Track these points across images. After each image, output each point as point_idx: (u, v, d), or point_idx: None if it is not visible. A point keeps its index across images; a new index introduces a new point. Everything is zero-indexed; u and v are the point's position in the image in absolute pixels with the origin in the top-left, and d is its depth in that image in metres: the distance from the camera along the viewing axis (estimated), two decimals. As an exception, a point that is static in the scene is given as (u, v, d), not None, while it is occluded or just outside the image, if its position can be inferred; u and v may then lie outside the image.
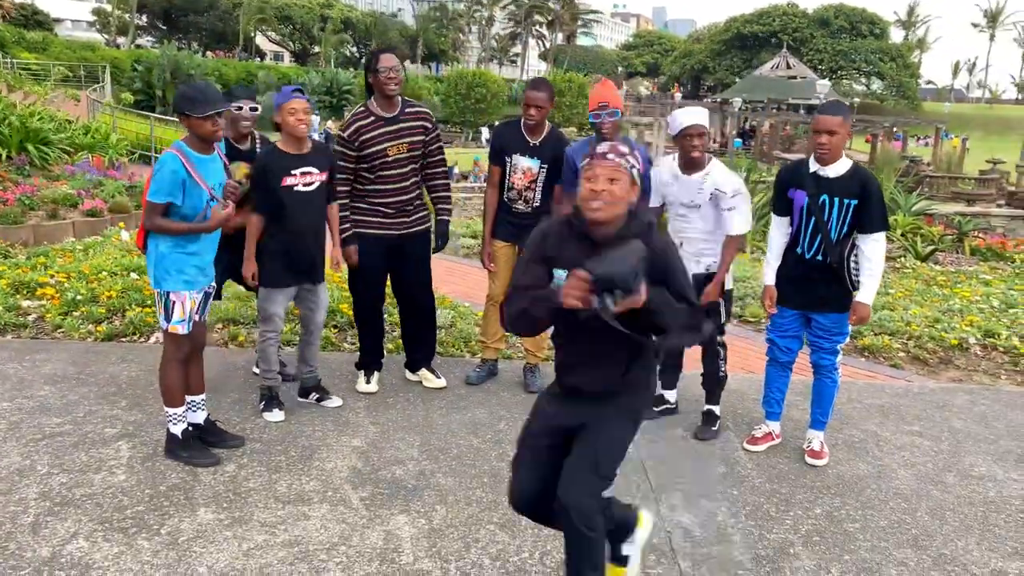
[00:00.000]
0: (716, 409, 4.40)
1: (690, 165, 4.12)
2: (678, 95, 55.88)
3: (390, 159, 4.36)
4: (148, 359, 5.04)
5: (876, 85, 67.37)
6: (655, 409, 4.53)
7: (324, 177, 4.16)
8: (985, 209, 15.68)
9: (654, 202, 4.30)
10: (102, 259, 7.08)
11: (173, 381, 3.67)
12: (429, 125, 4.52)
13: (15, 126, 10.55)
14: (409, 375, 4.95)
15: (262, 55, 71.24)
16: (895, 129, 38.56)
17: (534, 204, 4.55)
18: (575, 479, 2.45)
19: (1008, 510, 3.69)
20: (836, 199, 3.74)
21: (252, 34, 66.81)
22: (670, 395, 4.60)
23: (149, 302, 5.99)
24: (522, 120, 4.50)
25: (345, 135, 4.34)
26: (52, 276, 6.57)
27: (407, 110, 4.44)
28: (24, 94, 16.36)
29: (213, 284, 3.80)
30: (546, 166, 4.51)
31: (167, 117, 23.22)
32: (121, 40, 59.30)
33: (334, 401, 4.49)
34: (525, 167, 4.49)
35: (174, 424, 3.73)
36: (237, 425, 4.14)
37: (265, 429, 4.14)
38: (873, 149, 31.42)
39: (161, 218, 3.44)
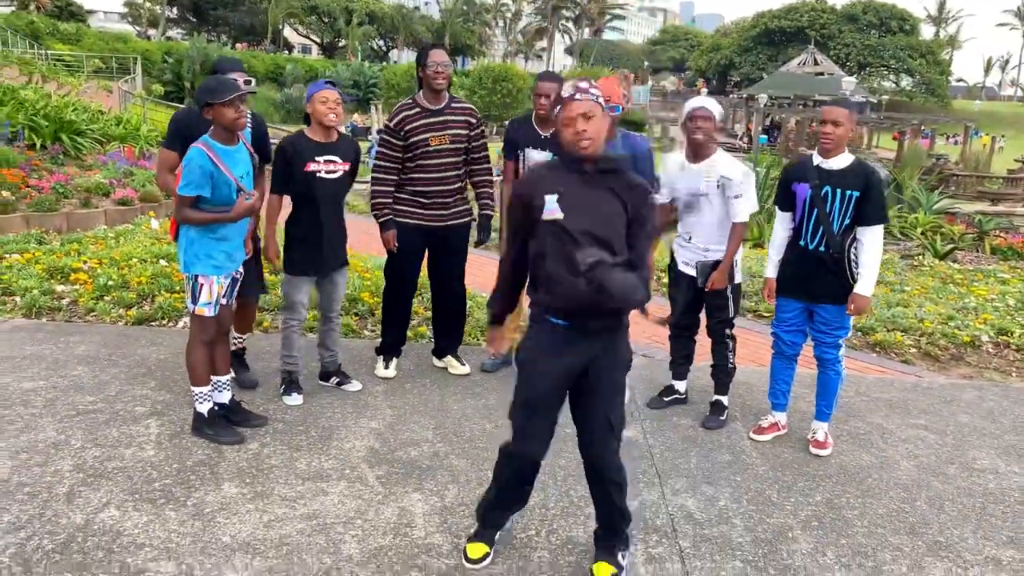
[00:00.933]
0: (724, 399, 4.52)
1: (696, 152, 4.21)
2: (703, 91, 55.58)
3: (431, 149, 4.51)
4: (176, 342, 5.24)
5: (906, 82, 66.57)
6: (664, 399, 4.66)
7: (347, 167, 4.31)
8: (1009, 208, 15.56)
9: (663, 197, 4.38)
10: (132, 246, 7.31)
11: (199, 361, 3.85)
12: (473, 120, 4.66)
13: (50, 117, 10.83)
14: (436, 361, 5.11)
15: (290, 48, 71.77)
16: (923, 127, 38.16)
17: None
18: (603, 440, 2.84)
19: (1007, 501, 3.78)
20: (838, 191, 3.84)
21: (280, 27, 67.35)
22: (680, 385, 4.71)
23: (178, 288, 6.19)
24: (533, 113, 4.61)
25: (391, 124, 4.51)
26: (85, 262, 6.79)
27: (452, 105, 4.58)
28: (58, 85, 16.70)
29: (240, 270, 3.96)
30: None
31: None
32: (152, 32, 60.12)
33: (354, 385, 4.65)
34: (538, 160, 4.61)
35: (200, 403, 3.91)
36: (261, 406, 4.32)
37: (287, 411, 4.31)
38: (900, 147, 31.18)
39: (190, 209, 3.61)
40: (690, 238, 4.35)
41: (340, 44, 67.98)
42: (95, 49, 36.53)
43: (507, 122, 4.59)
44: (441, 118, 4.50)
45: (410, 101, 4.55)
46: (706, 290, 4.33)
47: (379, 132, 4.65)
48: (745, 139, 39.04)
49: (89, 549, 2.97)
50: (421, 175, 4.53)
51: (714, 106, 4.19)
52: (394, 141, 4.48)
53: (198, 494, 3.41)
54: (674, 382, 4.71)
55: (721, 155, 4.24)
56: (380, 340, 4.99)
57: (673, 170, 4.36)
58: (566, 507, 3.47)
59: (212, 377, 3.95)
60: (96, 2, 70.49)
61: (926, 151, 31.92)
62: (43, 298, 5.93)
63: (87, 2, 61.32)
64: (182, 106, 19.37)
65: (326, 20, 66.41)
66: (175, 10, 65.62)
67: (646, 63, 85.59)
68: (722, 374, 4.50)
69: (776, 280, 4.18)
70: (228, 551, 3.01)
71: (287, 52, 65.05)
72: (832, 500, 3.68)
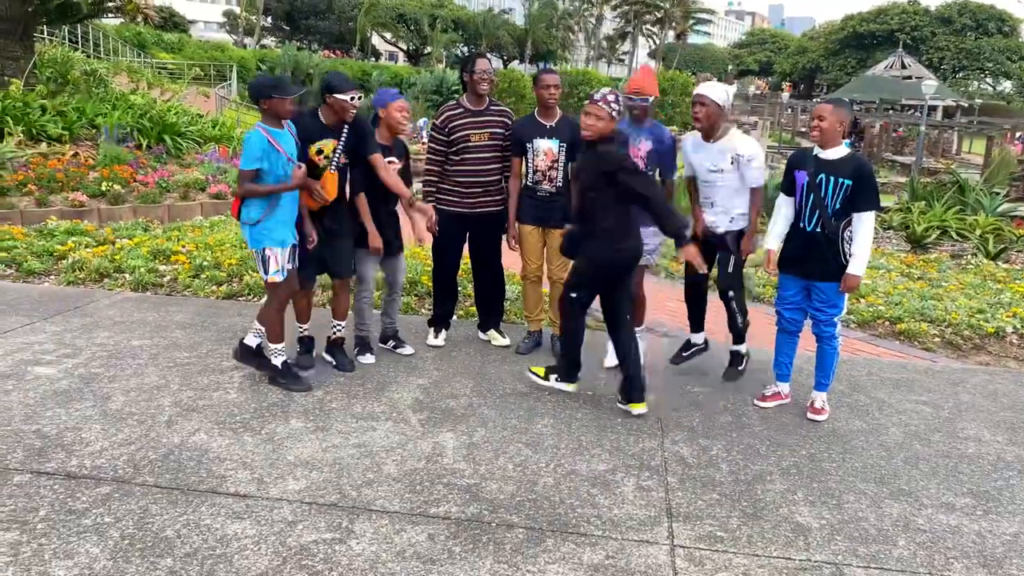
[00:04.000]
0: (742, 348, 5.07)
1: (706, 133, 4.72)
2: (786, 94, 54.85)
3: (471, 144, 5.17)
4: (258, 313, 6.04)
5: (1004, 86, 64.13)
6: (684, 354, 5.21)
7: (402, 166, 5.05)
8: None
9: (685, 172, 4.98)
10: (224, 234, 8.22)
11: (275, 322, 4.58)
12: (509, 121, 5.30)
13: (155, 120, 12.00)
14: (480, 334, 5.76)
15: (377, 55, 73.94)
16: (1018, 132, 36.95)
17: (557, 183, 5.12)
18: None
19: (979, 464, 4.18)
20: (832, 178, 4.32)
21: (368, 35, 69.51)
22: (697, 338, 5.24)
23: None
24: (536, 109, 5.16)
25: (438, 122, 5.21)
26: (183, 246, 7.72)
27: (492, 107, 5.25)
28: (161, 91, 18.13)
29: (296, 238, 4.58)
30: (565, 145, 5.07)
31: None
32: (248, 40, 62.91)
33: (407, 349, 5.35)
34: (546, 148, 5.06)
35: (275, 357, 4.65)
36: (332, 367, 5.04)
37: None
38: (987, 151, 30.37)
39: (251, 183, 4.33)
40: (712, 204, 4.83)
41: (425, 51, 69.73)
42: (195, 57, 38.71)
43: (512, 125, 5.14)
44: (482, 118, 5.15)
45: (455, 103, 5.23)
46: (742, 257, 4.89)
47: (430, 130, 5.33)
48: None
49: (183, 460, 3.72)
50: (462, 167, 5.19)
51: (714, 92, 4.63)
52: (440, 137, 5.17)
53: (271, 426, 4.13)
54: (691, 336, 5.25)
55: (734, 133, 4.74)
56: (431, 313, 5.68)
57: (689, 149, 4.88)
58: (575, 448, 4.05)
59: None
60: (197, 13, 74.11)
61: (1017, 155, 30.94)
62: (148, 275, 6.84)
63: (189, 13, 64.71)
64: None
65: (412, 28, 68.24)
66: (269, 19, 68.48)
67: (730, 66, 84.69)
68: (735, 327, 5.02)
69: (778, 259, 4.68)
70: (291, 466, 3.71)
71: (374, 59, 67.13)
72: (815, 455, 4.16)
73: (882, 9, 64.73)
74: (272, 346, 4.65)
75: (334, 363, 5.01)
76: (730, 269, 4.88)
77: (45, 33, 21.59)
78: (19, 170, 9.55)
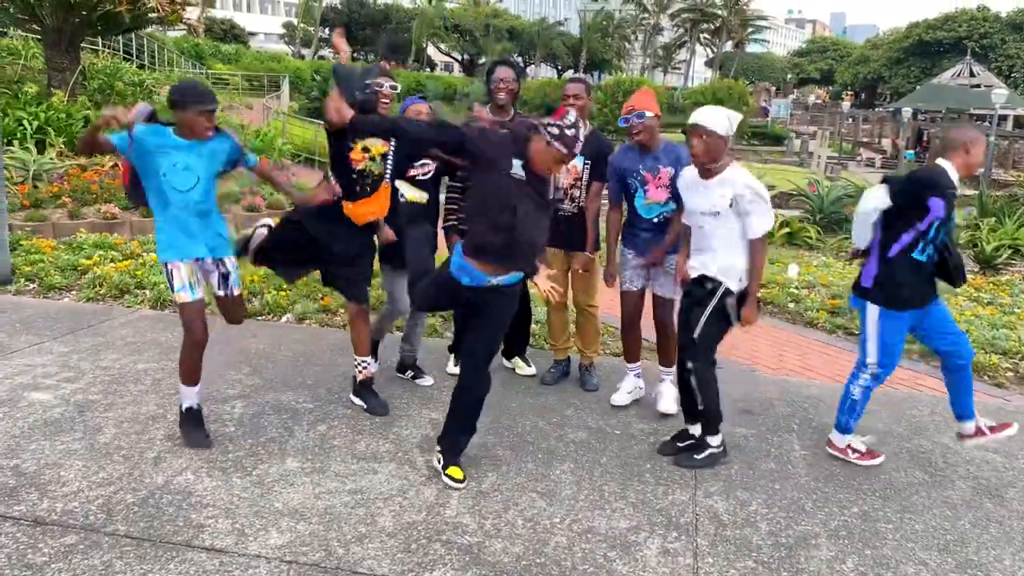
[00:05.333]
0: (696, 429, 4.14)
1: (701, 168, 3.88)
2: (846, 104, 53.40)
3: None
4: (275, 334, 5.77)
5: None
6: (676, 444, 4.18)
7: (432, 168, 4.72)
8: None
9: (684, 219, 4.16)
10: (252, 249, 7.98)
11: (186, 358, 3.94)
12: None
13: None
14: (504, 362, 5.37)
15: (433, 66, 74.37)
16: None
17: (580, 203, 4.73)
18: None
19: (1063, 528, 3.64)
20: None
21: (424, 45, 69.96)
22: (694, 429, 4.17)
23: (285, 287, 6.75)
24: None
25: None
26: (209, 261, 7.49)
27: (517, 119, 4.88)
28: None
29: (228, 262, 4.06)
30: (589, 163, 4.67)
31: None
32: (306, 52, 63.84)
33: (426, 380, 4.99)
34: (568, 164, 4.71)
35: (185, 399, 4.02)
36: (343, 392, 4.71)
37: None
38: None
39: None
40: (703, 257, 3.97)
41: (480, 61, 69.85)
42: (252, 68, 39.27)
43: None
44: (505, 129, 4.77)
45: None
46: (740, 326, 3.99)
47: None
48: (888, 153, 37.24)
49: (162, 505, 3.41)
50: None
51: (713, 119, 3.79)
52: None
53: (264, 466, 3.81)
54: (688, 426, 4.21)
55: (734, 169, 3.87)
56: (452, 339, 5.31)
57: (682, 186, 4.10)
58: (595, 500, 3.63)
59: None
60: (258, 25, 75.54)
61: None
62: (168, 292, 6.61)
63: (250, 25, 65.99)
64: (321, 122, 20.55)
65: (467, 38, 68.47)
66: (327, 30, 69.41)
67: (789, 75, 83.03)
68: (690, 405, 4.09)
69: (890, 305, 3.92)
70: (277, 515, 3.37)
71: (429, 70, 67.53)
72: (869, 513, 3.67)
73: (949, 16, 62.61)
74: (182, 388, 4.02)
75: (365, 406, 4.53)
76: (698, 327, 3.90)
77: (100, 45, 21.97)
78: (55, 182, 9.50)
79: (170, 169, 3.76)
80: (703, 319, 3.89)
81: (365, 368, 4.55)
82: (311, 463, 3.86)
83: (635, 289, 4.67)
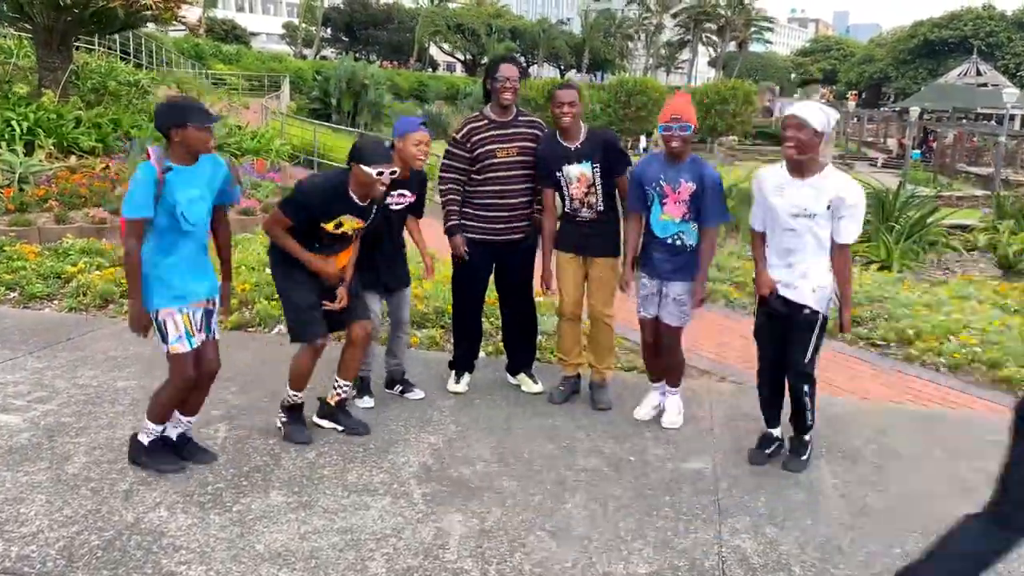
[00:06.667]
0: (807, 436, 4.11)
1: (797, 167, 3.68)
2: (852, 104, 52.99)
3: (498, 161, 4.46)
4: (264, 349, 5.44)
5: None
6: (765, 452, 4.11)
7: (413, 199, 4.42)
8: None
9: (754, 224, 3.95)
10: (244, 254, 7.64)
11: (167, 401, 3.61)
12: (540, 133, 4.58)
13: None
14: (510, 378, 5.02)
15: (435, 66, 74.04)
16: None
17: (598, 208, 4.41)
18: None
19: None
20: None
21: (426, 45, 69.61)
22: (777, 432, 4.17)
23: (275, 296, 6.39)
24: (557, 130, 4.41)
25: (458, 136, 4.51)
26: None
27: (520, 118, 4.55)
28: (209, 103, 17.89)
29: (214, 301, 3.67)
30: (597, 166, 4.34)
31: (336, 125, 24.69)
32: (307, 51, 63.51)
33: (416, 394, 4.66)
34: (578, 173, 4.35)
35: (145, 435, 3.69)
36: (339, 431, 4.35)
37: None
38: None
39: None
40: (791, 263, 3.79)
41: (482, 61, 69.51)
42: (252, 68, 38.93)
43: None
44: (509, 131, 4.44)
45: (478, 114, 4.54)
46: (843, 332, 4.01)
47: (448, 145, 4.61)
48: (894, 153, 36.87)
49: (130, 548, 3.06)
50: (488, 188, 4.47)
51: (813, 114, 3.58)
52: (460, 153, 4.47)
53: (245, 500, 3.46)
54: (770, 430, 4.17)
55: (831, 172, 3.69)
56: (452, 354, 4.96)
57: (770, 189, 3.80)
58: (611, 540, 3.29)
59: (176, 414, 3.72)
60: (260, 25, 75.15)
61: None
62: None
63: (252, 25, 65.65)
64: (318, 122, 20.22)
65: (469, 38, 68.10)
66: (329, 30, 69.09)
67: (792, 75, 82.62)
68: (799, 422, 4.04)
69: None
70: (258, 560, 3.03)
71: (431, 70, 67.21)
72: (911, 555, 3.31)
73: (955, 14, 62.10)
74: (148, 424, 3.66)
75: (341, 428, 4.19)
76: (808, 354, 3.84)
77: (97, 44, 21.65)
78: (42, 184, 9.16)
79: (186, 204, 3.38)
80: (811, 347, 3.84)
81: (345, 392, 4.21)
82: (297, 496, 3.51)
83: (650, 316, 4.35)
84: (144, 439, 3.68)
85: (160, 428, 3.68)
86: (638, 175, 4.23)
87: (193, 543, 3.12)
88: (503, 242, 4.57)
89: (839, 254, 3.75)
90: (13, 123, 10.21)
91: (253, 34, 65.52)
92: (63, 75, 11.76)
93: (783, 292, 3.81)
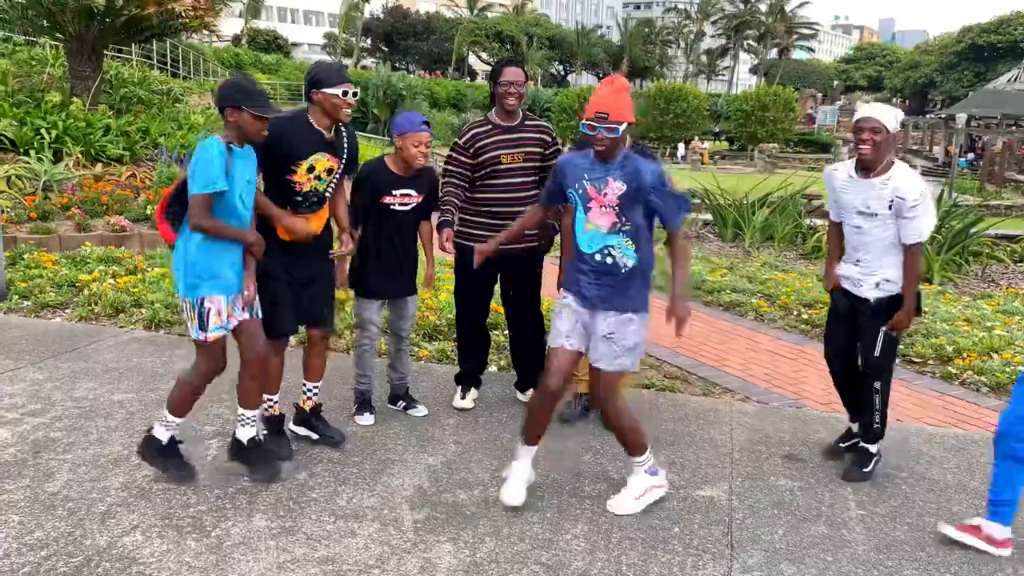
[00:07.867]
0: (872, 448, 3.97)
1: (861, 165, 3.72)
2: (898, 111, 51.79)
3: (502, 167, 4.27)
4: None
5: None
6: (842, 445, 4.18)
7: (420, 200, 4.19)
8: None
9: (831, 215, 4.03)
10: (261, 264, 7.53)
11: (192, 392, 3.57)
12: (548, 139, 4.39)
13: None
14: (519, 395, 4.80)
15: (473, 75, 74.22)
16: None
17: None
18: None
19: None
20: None
21: (465, 55, 69.84)
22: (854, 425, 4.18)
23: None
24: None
25: (461, 141, 4.31)
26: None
27: (527, 123, 4.35)
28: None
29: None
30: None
31: (372, 135, 24.72)
32: (347, 61, 64.12)
33: (420, 411, 4.47)
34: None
35: (167, 428, 3.59)
36: (336, 425, 4.19)
37: (351, 439, 4.15)
38: None
39: (209, 217, 3.38)
40: (858, 260, 3.83)
41: (521, 69, 69.50)
42: (292, 78, 39.32)
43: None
44: (515, 135, 4.24)
45: (483, 119, 4.35)
46: (892, 332, 3.80)
47: (450, 148, 4.41)
48: (942, 160, 35.91)
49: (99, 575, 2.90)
50: (492, 194, 4.27)
51: (885, 115, 3.62)
52: (462, 158, 4.27)
53: (226, 524, 3.28)
54: (850, 424, 4.19)
55: (898, 169, 3.68)
56: (459, 368, 4.75)
57: (838, 185, 3.86)
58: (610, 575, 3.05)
59: (263, 396, 3.78)
60: (301, 36, 76.13)
61: None
62: (165, 311, 6.17)
63: (293, 36, 66.52)
64: (364, 135, 20.21)
65: (508, 46, 68.16)
66: (369, 40, 69.71)
67: (836, 82, 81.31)
68: (867, 425, 3.95)
69: None
70: (229, 592, 2.84)
71: (469, 79, 67.31)
72: (944, 597, 3.02)
73: (1004, 19, 60.57)
74: (168, 416, 3.56)
75: (316, 436, 4.04)
76: (878, 349, 3.79)
77: (133, 54, 21.93)
78: (66, 192, 9.17)
79: (244, 186, 3.38)
80: (880, 341, 3.78)
81: (315, 396, 4.09)
82: (280, 521, 3.33)
83: (569, 348, 3.50)
84: (163, 435, 3.57)
85: (180, 421, 3.59)
86: (560, 166, 3.47)
87: (164, 571, 2.94)
88: (511, 251, 4.35)
89: (906, 254, 3.72)
90: (42, 131, 10.26)
91: (295, 44, 66.37)
92: (93, 84, 11.83)
93: (846, 286, 3.90)
